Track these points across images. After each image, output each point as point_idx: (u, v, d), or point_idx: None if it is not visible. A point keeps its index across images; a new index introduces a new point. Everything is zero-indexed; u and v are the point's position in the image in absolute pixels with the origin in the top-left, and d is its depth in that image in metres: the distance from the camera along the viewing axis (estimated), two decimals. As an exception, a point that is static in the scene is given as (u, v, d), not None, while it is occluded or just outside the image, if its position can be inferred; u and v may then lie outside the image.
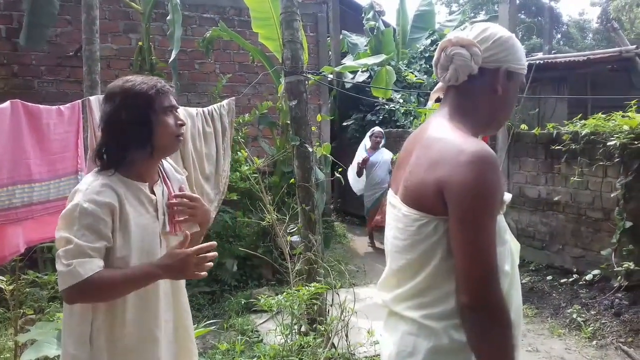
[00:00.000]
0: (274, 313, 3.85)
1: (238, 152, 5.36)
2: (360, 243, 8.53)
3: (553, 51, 19.76)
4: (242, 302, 5.11)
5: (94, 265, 1.69)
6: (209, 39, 6.33)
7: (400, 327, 1.49)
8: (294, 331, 3.91)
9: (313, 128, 4.83)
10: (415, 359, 1.42)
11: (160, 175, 2.00)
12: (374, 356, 4.22)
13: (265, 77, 6.75)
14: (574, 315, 5.05)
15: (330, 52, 9.36)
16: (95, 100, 3.38)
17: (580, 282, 5.52)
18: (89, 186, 1.78)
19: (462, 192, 1.29)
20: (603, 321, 4.94)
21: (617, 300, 5.09)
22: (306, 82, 4.54)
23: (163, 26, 6.67)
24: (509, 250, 1.44)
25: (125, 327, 1.82)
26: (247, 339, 4.40)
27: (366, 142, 7.93)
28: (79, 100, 3.46)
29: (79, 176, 3.26)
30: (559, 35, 33.10)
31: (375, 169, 7.70)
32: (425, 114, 9.08)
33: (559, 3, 38.83)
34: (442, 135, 1.40)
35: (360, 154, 7.81)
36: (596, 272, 5.41)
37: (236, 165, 5.42)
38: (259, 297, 3.74)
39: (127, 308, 1.82)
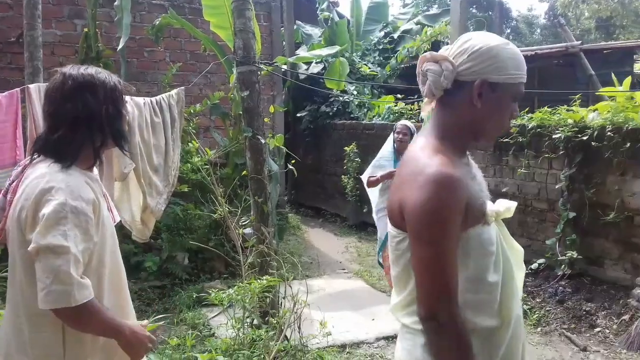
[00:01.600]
0: (225, 307, 3.80)
1: (189, 143, 5.24)
2: (314, 234, 8.54)
3: (503, 45, 20.24)
4: (194, 296, 5.02)
5: (91, 289, 1.63)
6: (158, 26, 6.16)
7: (402, 333, 1.60)
8: (245, 324, 3.88)
9: (266, 119, 4.78)
10: (414, 357, 1.51)
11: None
12: (326, 347, 4.25)
13: (218, 66, 6.63)
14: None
15: (284, 43, 9.28)
16: (36, 89, 3.23)
17: (527, 271, 5.68)
18: (69, 182, 1.67)
19: (414, 211, 1.37)
20: (547, 308, 5.12)
21: (560, 288, 5.27)
22: (259, 72, 4.47)
23: (110, 12, 6.45)
24: (497, 261, 1.49)
25: None
26: (198, 333, 4.33)
27: (387, 151, 5.45)
28: (18, 89, 3.30)
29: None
30: (509, 30, 33.93)
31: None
32: (379, 106, 9.17)
33: (508, -2, 39.76)
34: (415, 155, 1.47)
35: (383, 158, 5.32)
36: (541, 261, 5.59)
37: (187, 156, 5.31)
38: (211, 291, 3.68)
39: (104, 304, 1.77)
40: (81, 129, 1.75)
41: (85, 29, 5.88)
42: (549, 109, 5.83)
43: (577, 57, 9.14)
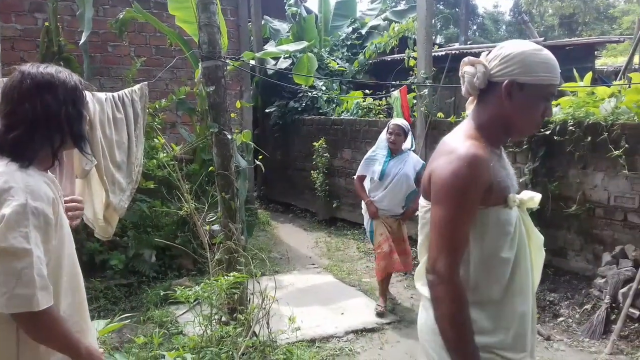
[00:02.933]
0: (193, 304, 3.77)
1: (155, 139, 5.17)
2: (284, 230, 8.52)
3: (469, 42, 20.54)
4: (161, 294, 4.96)
5: (52, 294, 1.60)
6: (122, 20, 6.04)
7: (422, 302, 1.84)
8: (213, 321, 3.85)
9: (232, 115, 4.74)
10: (428, 323, 1.73)
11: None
12: (295, 342, 4.25)
13: (184, 61, 6.54)
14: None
15: (251, 38, 9.21)
16: (-7, 83, 3.12)
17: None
18: (29, 182, 1.62)
19: (439, 180, 1.60)
20: (513, 299, 5.21)
21: (525, 279, 5.37)
22: (225, 67, 4.43)
23: (72, 6, 6.29)
24: (512, 240, 1.66)
25: None
26: (166, 331, 4.28)
27: (382, 142, 5.17)
28: (-26, 83, 3.19)
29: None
30: (475, 27, 34.44)
31: (392, 184, 5.00)
32: (347, 102, 9.19)
33: (475, -5, 40.27)
34: (449, 139, 1.71)
35: (377, 151, 5.14)
36: (507, 253, 5.68)
37: (153, 152, 5.24)
38: (177, 289, 3.64)
39: (61, 305, 1.73)
40: (39, 129, 1.70)
41: (46, 23, 5.72)
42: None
43: (541, 53, 9.29)
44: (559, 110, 5.39)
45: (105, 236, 3.80)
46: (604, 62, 16.15)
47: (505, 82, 1.62)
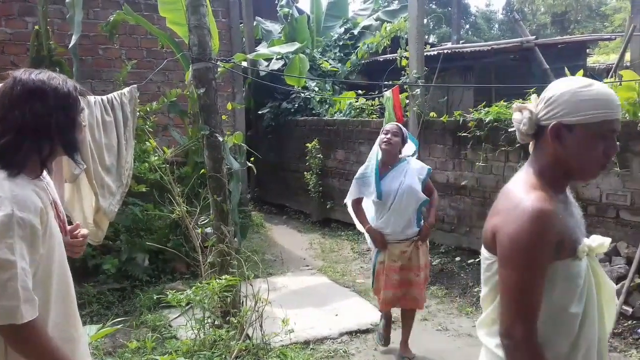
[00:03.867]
0: (185, 308, 3.75)
1: (146, 142, 5.15)
2: (278, 232, 8.51)
3: (462, 41, 20.59)
4: (154, 298, 4.94)
5: (37, 307, 1.58)
6: (112, 23, 6.02)
7: (483, 351, 1.75)
8: (206, 325, 3.84)
9: (224, 117, 4.73)
10: None
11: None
12: (289, 344, 4.24)
13: (176, 63, 6.52)
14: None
15: (243, 39, 9.20)
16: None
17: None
18: (16, 192, 1.60)
19: (506, 239, 1.53)
20: (507, 298, 5.21)
21: (519, 277, 5.37)
22: (216, 69, 4.41)
23: (62, 9, 6.26)
24: (582, 293, 1.58)
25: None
26: (159, 335, 4.26)
27: (373, 154, 4.23)
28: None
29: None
30: (468, 26, 34.50)
31: (396, 203, 4.02)
32: (340, 102, 9.18)
33: (467, -6, 40.32)
34: (512, 187, 1.64)
35: (366, 174, 4.19)
36: (500, 251, 5.68)
37: (144, 155, 5.21)
38: (169, 293, 3.62)
39: (50, 315, 1.71)
40: (28, 137, 1.67)
41: (36, 27, 5.70)
42: (505, 103, 5.94)
43: (532, 52, 9.34)
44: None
45: (95, 240, 3.77)
46: (595, 59, 16.21)
47: (550, 125, 1.57)
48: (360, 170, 4.25)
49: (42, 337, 1.62)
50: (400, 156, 4.14)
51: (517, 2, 29.17)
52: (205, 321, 3.82)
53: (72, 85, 1.77)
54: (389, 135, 4.05)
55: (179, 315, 4.67)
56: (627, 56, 9.86)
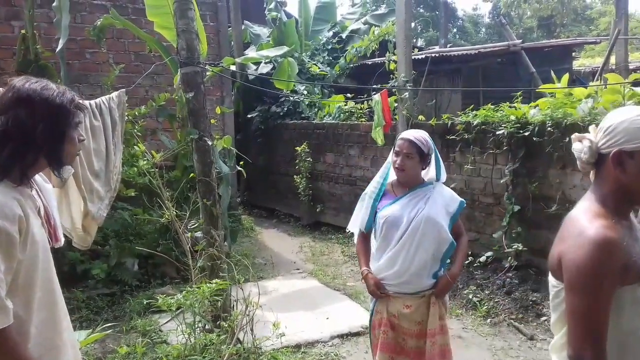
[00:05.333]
0: (175, 313, 3.73)
1: (135, 147, 5.12)
2: (268, 235, 8.50)
3: (449, 44, 20.72)
4: (144, 303, 4.91)
5: (11, 315, 1.56)
6: (100, 27, 5.99)
7: None
8: (197, 329, 3.82)
9: (213, 121, 4.73)
10: None
11: (32, 182, 1.85)
12: (280, 348, 4.23)
13: (164, 67, 6.50)
14: (470, 296, 5.34)
15: (232, 43, 9.19)
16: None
17: (475, 264, 5.82)
18: None
19: (571, 266, 1.58)
20: (496, 300, 5.26)
21: (508, 279, 5.42)
22: (204, 73, 4.41)
23: (49, 13, 6.22)
24: None
25: (30, 341, 1.70)
26: (149, 340, 4.24)
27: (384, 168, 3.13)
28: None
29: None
30: (455, 29, 34.75)
31: (406, 238, 2.89)
32: (329, 106, 9.20)
33: (454, -2, 40.64)
34: (577, 215, 1.68)
35: (368, 194, 3.11)
36: (489, 254, 5.73)
37: (133, 160, 5.19)
38: (159, 297, 3.61)
39: (33, 322, 1.69)
40: (10, 144, 1.65)
41: (23, 31, 5.66)
42: (493, 106, 5.98)
43: (519, 55, 9.43)
44: (538, 112, 5.45)
45: (84, 245, 3.75)
46: (581, 63, 16.40)
47: (612, 153, 1.62)
48: (368, 187, 3.14)
49: (15, 345, 1.60)
50: (422, 178, 3.02)
51: (503, 6, 29.41)
52: (196, 325, 3.81)
53: (68, 98, 1.74)
54: (399, 159, 2.89)
55: (169, 320, 4.64)
56: (612, 59, 9.98)
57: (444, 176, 3.08)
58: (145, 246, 5.14)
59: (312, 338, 4.63)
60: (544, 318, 4.88)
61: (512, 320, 4.91)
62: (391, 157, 2.96)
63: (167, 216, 4.16)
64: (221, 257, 3.98)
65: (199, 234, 4.32)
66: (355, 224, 3.16)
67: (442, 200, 2.95)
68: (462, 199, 3.06)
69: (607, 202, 1.66)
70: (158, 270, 5.78)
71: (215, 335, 3.70)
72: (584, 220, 1.61)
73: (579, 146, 1.71)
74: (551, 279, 1.74)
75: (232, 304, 4.06)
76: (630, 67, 11.18)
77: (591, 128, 1.74)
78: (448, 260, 3.02)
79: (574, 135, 1.75)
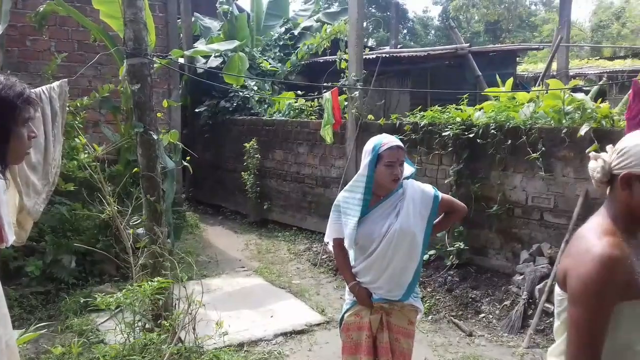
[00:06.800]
0: (114, 312, 3.62)
1: (76, 139, 4.94)
2: (213, 232, 8.38)
3: (399, 45, 21.00)
4: (81, 301, 4.74)
5: None
6: (42, 13, 5.74)
7: None
8: (137, 329, 3.72)
9: (159, 114, 4.61)
10: None
11: None
12: (223, 347, 4.18)
13: (109, 57, 6.29)
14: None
15: (181, 35, 9.00)
16: None
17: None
18: None
19: (574, 280, 1.64)
20: (437, 297, 5.37)
21: (449, 277, 5.55)
22: (152, 65, 4.29)
23: (-14, -4, 5.91)
24: None
25: None
26: (86, 340, 4.09)
27: (361, 177, 2.87)
28: None
29: None
30: (405, 31, 35.27)
31: (382, 247, 2.83)
32: (279, 102, 9.16)
33: None
34: (586, 231, 1.73)
35: (351, 203, 2.91)
36: (432, 252, 5.85)
37: (73, 153, 5.00)
38: (97, 295, 3.49)
39: None
40: None
41: (-43, 14, 5.35)
42: (440, 108, 6.10)
43: (466, 59, 9.65)
44: (482, 115, 5.60)
45: (18, 241, 3.57)
46: (525, 68, 16.96)
47: (621, 175, 1.66)
48: (342, 196, 2.96)
49: None
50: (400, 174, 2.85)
51: (452, 9, 30.08)
52: (136, 325, 3.71)
53: (16, 91, 1.64)
54: (399, 169, 2.78)
55: (107, 319, 4.51)
56: (554, 65, 10.37)
57: (414, 173, 2.99)
58: (84, 242, 4.96)
59: (255, 336, 4.60)
60: (482, 315, 5.02)
61: (452, 317, 5.03)
62: (369, 169, 2.80)
63: (107, 212, 4.03)
64: (164, 255, 3.88)
65: (141, 230, 4.21)
66: (331, 236, 3.06)
67: (414, 206, 2.85)
68: (437, 193, 2.90)
69: (617, 221, 1.72)
70: (97, 267, 5.60)
71: (156, 335, 3.62)
72: (592, 237, 1.68)
73: (593, 165, 1.76)
74: (557, 289, 1.82)
75: (174, 302, 3.97)
76: (570, 74, 11.68)
77: (608, 148, 1.78)
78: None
79: (591, 154, 1.78)
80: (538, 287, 4.78)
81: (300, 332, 4.74)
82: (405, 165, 2.90)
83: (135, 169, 4.22)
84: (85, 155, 4.60)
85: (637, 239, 1.74)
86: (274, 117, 8.89)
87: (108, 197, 3.97)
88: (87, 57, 6.69)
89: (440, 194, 2.93)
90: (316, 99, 8.27)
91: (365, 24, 8.58)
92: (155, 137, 4.01)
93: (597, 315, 1.63)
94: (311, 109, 8.53)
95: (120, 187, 4.50)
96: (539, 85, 7.65)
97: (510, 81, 6.42)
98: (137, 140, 4.03)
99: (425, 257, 5.83)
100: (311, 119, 8.31)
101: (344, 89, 6.97)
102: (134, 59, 3.96)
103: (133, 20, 3.93)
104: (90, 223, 5.58)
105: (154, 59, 4.40)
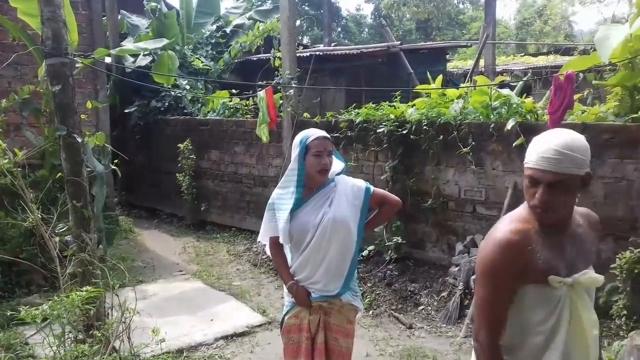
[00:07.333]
0: (41, 325, 3.43)
1: (-6, 144, 4.65)
2: (148, 237, 8.13)
3: (334, 43, 21.12)
4: (7, 314, 4.47)
5: None
6: (-48, 10, 5.37)
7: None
8: (68, 340, 3.54)
9: (83, 116, 4.41)
10: None
11: None
12: (160, 355, 4.06)
13: (30, 57, 5.97)
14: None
15: (107, 33, 8.67)
16: None
17: (359, 258, 5.96)
18: None
19: (478, 262, 1.82)
20: (378, 292, 5.43)
21: (388, 271, 5.63)
22: (75, 64, 4.10)
23: None
24: (550, 318, 1.77)
25: None
26: (12, 355, 3.87)
27: (292, 172, 2.85)
28: None
29: None
30: (339, 29, 35.54)
31: (315, 241, 2.83)
32: (213, 101, 8.99)
33: (338, -2, 41.51)
34: (500, 220, 1.89)
35: (282, 199, 2.90)
36: (371, 247, 5.92)
37: (-8, 158, 4.70)
38: (21, 308, 3.29)
39: None
40: None
41: None
42: (374, 105, 6.17)
43: (398, 56, 9.82)
44: (415, 111, 5.70)
45: None
46: (455, 65, 17.44)
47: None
48: (276, 193, 2.94)
49: None
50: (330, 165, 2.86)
51: (384, 7, 30.54)
52: (66, 336, 3.53)
53: None
54: (323, 159, 2.77)
55: (35, 332, 4.28)
56: (482, 62, 10.72)
57: (345, 169, 2.98)
58: (8, 253, 4.70)
59: (195, 341, 4.50)
60: (421, 307, 5.12)
61: (392, 311, 5.10)
62: (298, 162, 2.79)
63: (31, 219, 3.81)
64: (93, 262, 3.71)
65: (69, 237, 4.01)
66: (265, 235, 3.01)
67: (346, 197, 2.86)
68: (368, 186, 2.92)
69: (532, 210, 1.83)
70: (23, 278, 5.31)
71: (88, 346, 3.45)
72: (502, 224, 1.83)
73: None
74: None
75: (107, 311, 3.81)
76: (497, 70, 12.12)
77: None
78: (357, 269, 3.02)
79: None
80: (473, 277, 4.92)
81: (242, 334, 4.68)
82: (336, 160, 2.92)
83: (60, 174, 4.02)
84: (6, 161, 4.33)
85: (552, 230, 1.81)
86: (208, 117, 8.72)
87: (30, 204, 3.75)
88: (5, 57, 6.30)
89: (373, 187, 2.95)
90: (251, 98, 8.17)
91: (298, 22, 8.60)
92: (79, 140, 3.83)
93: (494, 295, 1.78)
94: (246, 107, 8.43)
95: (44, 193, 4.27)
96: (467, 81, 7.88)
97: (440, 78, 6.58)
98: (60, 144, 3.84)
99: (365, 252, 5.90)
100: (247, 118, 8.22)
101: (279, 87, 6.92)
102: (53, 59, 3.77)
103: (51, 18, 3.74)
104: (15, 232, 5.28)
105: (75, 58, 4.20)
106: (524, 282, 1.76)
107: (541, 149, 1.72)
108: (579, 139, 1.72)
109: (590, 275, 1.80)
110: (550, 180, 1.69)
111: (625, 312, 3.96)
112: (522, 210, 1.85)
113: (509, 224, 1.81)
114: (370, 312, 5.12)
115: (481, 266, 1.80)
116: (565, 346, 1.77)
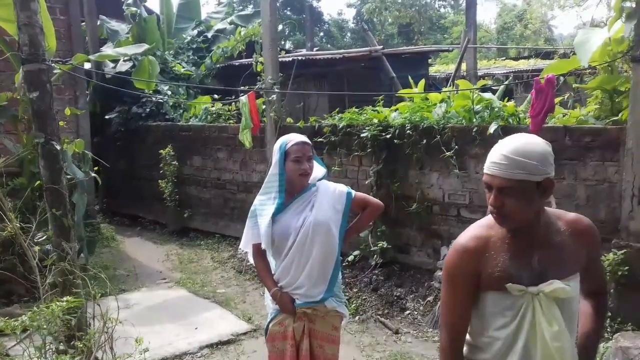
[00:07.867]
0: (21, 337, 3.35)
1: (-30, 152, 4.55)
2: (131, 244, 8.03)
3: (316, 48, 21.18)
4: (-15, 327, 4.36)
5: None
6: None
7: None
8: (49, 351, 3.47)
9: (62, 123, 4.33)
10: None
11: None
12: (144, 365, 3.98)
13: (7, 63, 5.86)
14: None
15: (86, 39, 8.56)
16: None
17: (344, 263, 5.94)
18: None
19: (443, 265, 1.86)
20: (364, 297, 5.41)
21: (374, 277, 5.61)
22: (53, 71, 4.03)
23: None
24: (510, 325, 1.75)
25: None
26: (-9, 369, 3.78)
27: (273, 177, 2.89)
28: None
29: None
30: (322, 33, 35.63)
31: (296, 246, 2.84)
32: (195, 107, 8.92)
33: (320, 2, 41.65)
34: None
35: (264, 205, 2.91)
36: (357, 252, 5.89)
37: (-32, 167, 4.60)
38: (1, 320, 3.21)
39: None
40: None
41: None
42: (357, 109, 6.16)
43: (380, 61, 9.85)
44: (398, 115, 5.70)
45: None
46: (437, 69, 17.55)
47: None
48: (258, 199, 2.93)
49: None
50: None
51: (366, 12, 30.66)
52: (47, 348, 3.45)
53: None
54: (303, 164, 2.79)
55: (16, 344, 4.18)
56: (463, 66, 10.80)
57: (326, 175, 3.01)
58: (-14, 263, 4.58)
59: (179, 350, 4.44)
60: (407, 312, 5.11)
61: (378, 316, 5.08)
62: (279, 167, 2.81)
63: (9, 229, 3.73)
64: (74, 272, 3.64)
65: (48, 246, 3.94)
66: (248, 242, 2.99)
67: (327, 201, 2.88)
68: (349, 190, 2.95)
69: None
70: (2, 288, 5.19)
71: (70, 357, 3.38)
72: (468, 229, 1.85)
73: None
74: None
75: (89, 321, 3.74)
76: (479, 74, 12.22)
77: None
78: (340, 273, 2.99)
79: None
80: (458, 280, 4.92)
81: (227, 342, 4.63)
82: (318, 166, 2.95)
83: (39, 182, 3.94)
84: (-18, 169, 4.25)
85: (517, 237, 1.77)
86: (190, 123, 8.64)
87: (9, 213, 3.67)
88: (-19, 64, 6.20)
89: (354, 192, 2.99)
90: (233, 103, 8.12)
91: (280, 26, 8.59)
92: (57, 147, 3.76)
93: (453, 300, 1.82)
94: (229, 113, 8.37)
95: (23, 202, 4.18)
96: (450, 85, 7.92)
97: (422, 82, 6.60)
98: (39, 151, 3.76)
99: (350, 257, 5.88)
100: (229, 123, 8.16)
101: (262, 92, 6.89)
102: (30, 65, 3.69)
103: (27, 24, 3.67)
104: (-8, 242, 5.16)
105: (53, 64, 4.13)
106: (483, 288, 1.77)
107: (493, 154, 1.72)
108: (533, 145, 1.67)
109: (555, 287, 1.69)
110: (499, 185, 1.70)
111: (609, 313, 3.99)
112: (490, 216, 1.83)
113: (472, 230, 1.84)
114: (357, 317, 5.10)
115: (443, 270, 1.85)
116: (525, 354, 1.73)
